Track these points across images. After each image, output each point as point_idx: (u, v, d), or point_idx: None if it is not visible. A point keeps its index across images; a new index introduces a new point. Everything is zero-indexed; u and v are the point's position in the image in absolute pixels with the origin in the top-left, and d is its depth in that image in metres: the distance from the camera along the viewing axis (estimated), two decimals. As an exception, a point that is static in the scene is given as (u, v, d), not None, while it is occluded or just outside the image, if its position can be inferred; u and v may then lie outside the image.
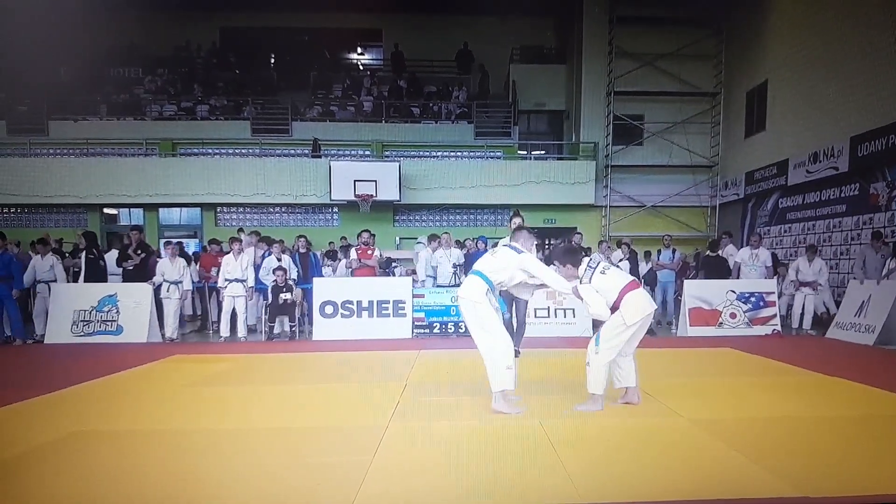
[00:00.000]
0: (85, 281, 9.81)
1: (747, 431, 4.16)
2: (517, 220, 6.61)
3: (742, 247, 11.21)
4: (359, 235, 10.72)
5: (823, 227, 12.18)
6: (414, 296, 9.68)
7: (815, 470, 3.44)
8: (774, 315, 9.96)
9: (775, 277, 10.49)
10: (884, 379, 5.79)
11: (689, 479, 3.32)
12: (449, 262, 10.36)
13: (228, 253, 9.82)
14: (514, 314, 7.41)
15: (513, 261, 4.72)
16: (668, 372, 6.69)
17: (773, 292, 10.05)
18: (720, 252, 10.89)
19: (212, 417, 4.75)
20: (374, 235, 11.23)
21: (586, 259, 4.81)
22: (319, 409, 5.02)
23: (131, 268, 10.01)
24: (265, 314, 9.91)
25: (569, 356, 7.75)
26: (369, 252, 10.42)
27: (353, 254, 10.57)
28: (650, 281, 11.39)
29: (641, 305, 4.63)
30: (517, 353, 7.28)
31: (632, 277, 4.92)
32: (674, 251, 11.56)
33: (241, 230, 12.52)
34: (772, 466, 3.43)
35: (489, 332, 4.60)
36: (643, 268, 11.79)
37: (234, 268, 9.54)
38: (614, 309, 4.59)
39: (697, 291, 10.09)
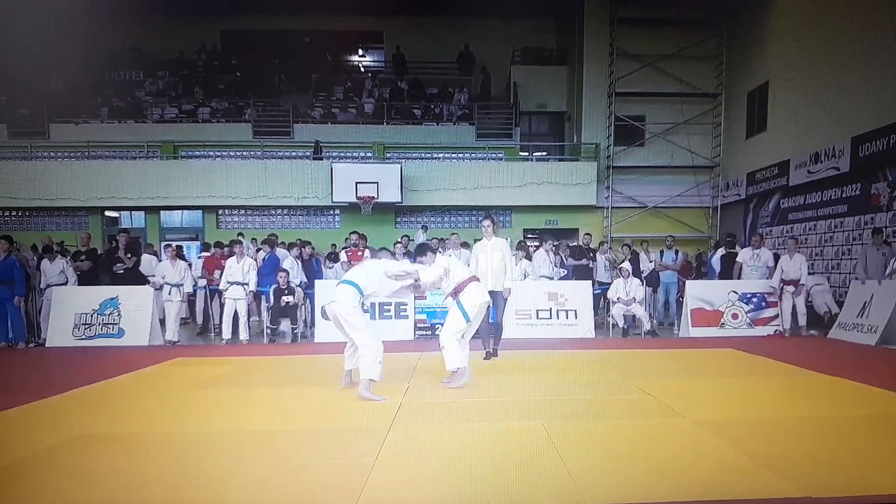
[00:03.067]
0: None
1: (750, 432, 4.16)
2: (487, 223, 7.55)
3: (744, 247, 11.18)
4: (347, 239, 10.76)
5: (825, 228, 12.15)
6: (416, 297, 9.66)
7: (818, 470, 3.44)
8: (776, 315, 9.95)
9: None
10: (887, 379, 5.79)
11: (691, 480, 3.31)
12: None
13: (231, 256, 9.83)
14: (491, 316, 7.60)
15: (375, 267, 5.74)
16: (670, 373, 6.70)
17: (774, 293, 10.05)
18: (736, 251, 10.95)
19: (214, 420, 4.76)
20: (364, 237, 11.23)
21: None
22: (322, 411, 5.03)
23: (122, 271, 10.04)
24: (267, 316, 9.93)
25: (571, 357, 7.78)
26: (359, 254, 10.44)
27: (342, 256, 10.59)
28: (653, 281, 11.37)
29: (480, 294, 5.71)
30: (489, 356, 7.56)
31: (473, 273, 6.08)
32: (677, 252, 11.53)
33: (240, 234, 12.57)
34: (775, 467, 3.43)
35: (363, 332, 5.38)
36: (648, 266, 11.73)
37: (236, 271, 9.56)
38: (456, 292, 5.67)
39: (699, 292, 10.10)
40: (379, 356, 5.30)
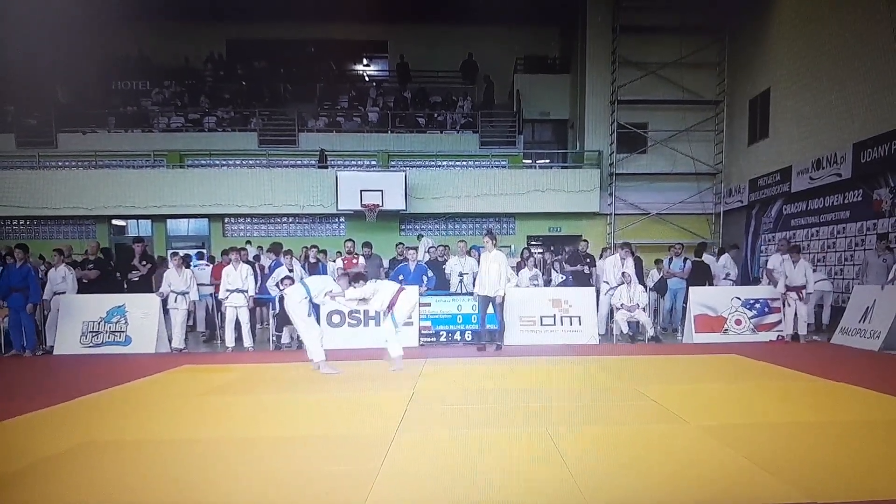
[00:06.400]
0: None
1: (755, 437, 4.19)
2: (487, 239, 9.04)
3: (750, 254, 11.14)
4: (344, 245, 10.91)
5: (827, 234, 12.15)
6: (420, 304, 9.68)
7: (822, 475, 3.47)
8: (779, 321, 9.94)
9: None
10: (890, 384, 5.79)
11: (696, 485, 3.34)
12: (460, 269, 10.80)
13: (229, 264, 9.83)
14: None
15: (325, 284, 7.28)
16: (674, 378, 6.71)
17: (778, 298, 10.05)
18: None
19: (221, 427, 4.80)
20: (369, 245, 11.26)
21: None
22: (327, 417, 5.07)
23: (136, 279, 10.11)
24: (273, 324, 9.96)
25: (575, 364, 7.81)
26: (354, 261, 10.51)
27: (338, 263, 10.66)
28: (660, 288, 11.36)
29: (412, 298, 7.67)
30: (499, 347, 8.93)
31: (400, 285, 7.70)
32: (685, 260, 11.47)
33: (248, 242, 12.66)
34: (780, 472, 3.46)
35: (303, 322, 7.03)
36: (655, 275, 11.66)
37: (235, 278, 9.56)
38: (392, 304, 7.23)
39: (703, 298, 10.11)
40: (318, 341, 6.98)
